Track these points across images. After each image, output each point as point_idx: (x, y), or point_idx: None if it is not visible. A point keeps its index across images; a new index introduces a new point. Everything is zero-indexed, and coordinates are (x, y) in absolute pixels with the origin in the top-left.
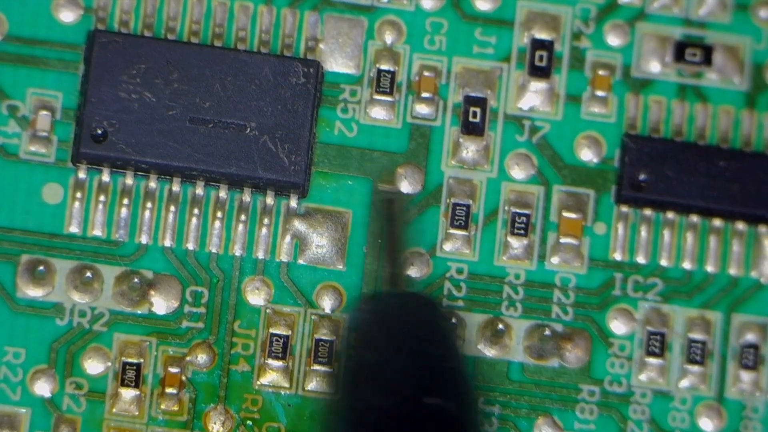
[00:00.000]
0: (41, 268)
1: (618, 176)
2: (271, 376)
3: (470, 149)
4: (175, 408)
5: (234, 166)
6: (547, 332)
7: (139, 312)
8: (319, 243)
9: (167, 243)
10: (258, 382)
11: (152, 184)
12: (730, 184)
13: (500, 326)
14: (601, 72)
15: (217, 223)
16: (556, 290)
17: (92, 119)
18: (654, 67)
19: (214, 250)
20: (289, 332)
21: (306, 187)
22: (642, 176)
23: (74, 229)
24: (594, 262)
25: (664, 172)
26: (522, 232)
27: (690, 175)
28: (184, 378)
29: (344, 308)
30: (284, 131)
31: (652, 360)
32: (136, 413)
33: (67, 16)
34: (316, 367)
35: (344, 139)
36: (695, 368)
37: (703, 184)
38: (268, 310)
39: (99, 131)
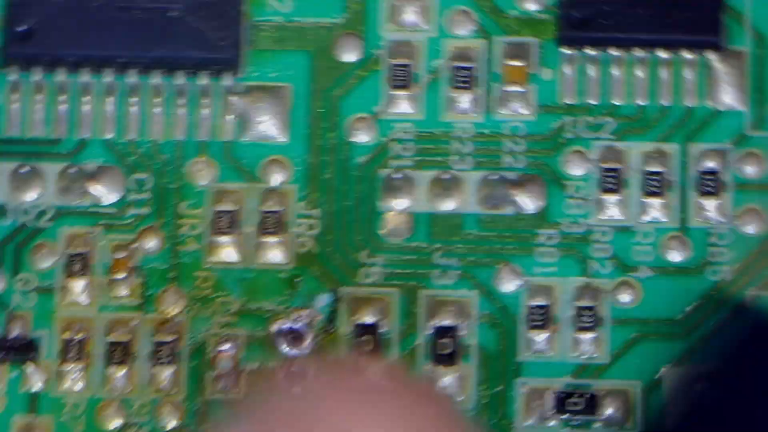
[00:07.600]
0: None
1: (558, 19)
2: (221, 253)
3: (408, 11)
4: (126, 293)
5: (165, 49)
6: (500, 181)
7: (84, 204)
8: (261, 119)
9: (108, 135)
10: (208, 260)
11: (86, 78)
12: (672, 12)
13: (451, 180)
14: None
15: (156, 110)
16: (505, 139)
17: (17, 19)
18: None
19: (155, 138)
20: (237, 207)
21: (240, 64)
22: (581, 15)
23: (13, 131)
24: (543, 108)
25: (603, 9)
26: (466, 85)
27: (630, 8)
28: (133, 264)
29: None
30: (213, 10)
31: (609, 197)
32: (87, 302)
33: None
34: (265, 239)
35: (278, 14)
36: (655, 201)
37: (644, 16)
38: (213, 190)
39: (25, 27)
